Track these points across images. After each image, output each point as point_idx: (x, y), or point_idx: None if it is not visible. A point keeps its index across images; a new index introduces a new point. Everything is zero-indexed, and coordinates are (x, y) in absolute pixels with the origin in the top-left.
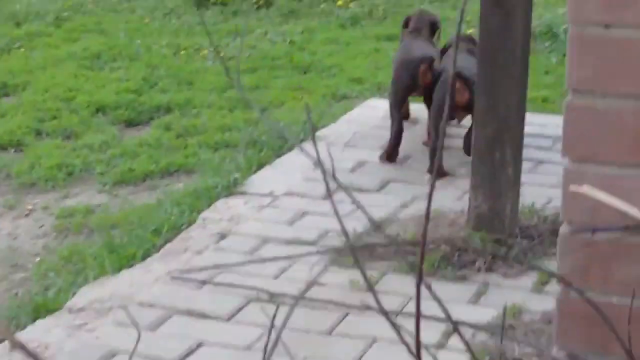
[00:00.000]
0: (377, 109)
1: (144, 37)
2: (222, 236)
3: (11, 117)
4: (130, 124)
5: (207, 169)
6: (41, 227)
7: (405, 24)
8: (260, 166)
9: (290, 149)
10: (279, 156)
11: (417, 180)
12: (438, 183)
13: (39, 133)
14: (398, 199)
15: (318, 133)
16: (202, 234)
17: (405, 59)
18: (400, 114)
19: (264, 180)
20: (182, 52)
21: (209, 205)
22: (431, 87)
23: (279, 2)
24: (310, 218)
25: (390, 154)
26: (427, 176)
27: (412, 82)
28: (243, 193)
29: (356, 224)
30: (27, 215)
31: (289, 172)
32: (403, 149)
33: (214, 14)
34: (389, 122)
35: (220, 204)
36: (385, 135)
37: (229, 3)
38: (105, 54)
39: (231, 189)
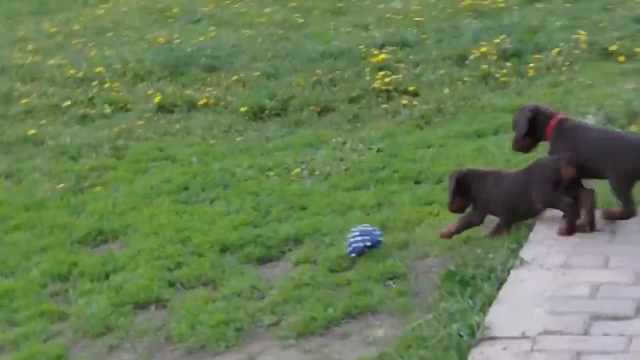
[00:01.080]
0: None
1: (218, 160)
2: None
3: (133, 269)
4: (262, 261)
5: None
6: None
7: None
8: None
9: (498, 278)
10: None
11: None
12: None
13: (171, 284)
14: None
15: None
16: None
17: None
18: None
19: (503, 318)
20: (271, 173)
21: (461, 357)
22: None
23: (340, 107)
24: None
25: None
26: None
27: None
28: (493, 338)
29: None
30: None
31: (523, 306)
32: None
33: (274, 126)
34: None
35: (477, 354)
36: None
37: (287, 112)
38: (191, 184)
39: (474, 334)
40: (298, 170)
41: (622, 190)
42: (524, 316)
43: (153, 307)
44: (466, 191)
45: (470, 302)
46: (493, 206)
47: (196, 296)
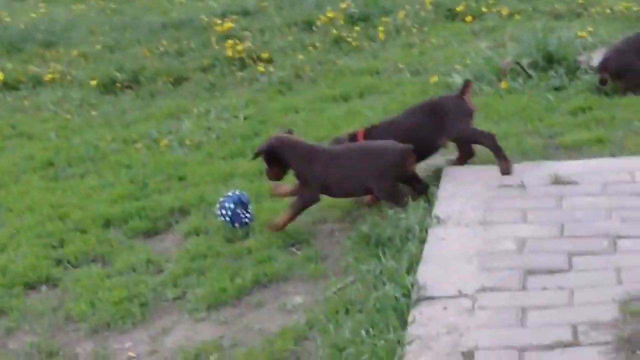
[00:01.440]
0: None
1: (77, 134)
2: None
3: (15, 248)
4: (148, 234)
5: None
6: None
7: None
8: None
9: (417, 237)
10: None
11: None
12: None
13: (58, 262)
14: None
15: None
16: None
17: None
18: None
19: (434, 277)
20: (138, 145)
21: (400, 318)
22: None
23: (195, 77)
24: (540, 313)
25: None
26: None
27: None
28: (430, 298)
29: None
30: None
31: (452, 264)
32: None
33: (129, 98)
34: None
35: (416, 315)
36: None
37: (139, 84)
38: (56, 159)
39: (409, 295)
40: (166, 141)
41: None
42: (455, 274)
43: (44, 287)
44: (279, 161)
45: (394, 262)
46: (323, 184)
47: (89, 273)
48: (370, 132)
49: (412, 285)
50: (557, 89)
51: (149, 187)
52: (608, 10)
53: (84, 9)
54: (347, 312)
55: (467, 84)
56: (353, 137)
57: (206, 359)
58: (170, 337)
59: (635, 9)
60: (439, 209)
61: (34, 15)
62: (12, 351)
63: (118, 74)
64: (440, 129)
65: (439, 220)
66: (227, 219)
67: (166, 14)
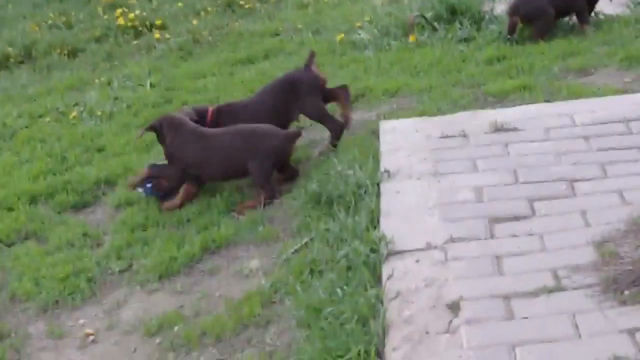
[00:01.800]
0: None
1: None
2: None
3: None
4: (77, 208)
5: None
6: (134, 351)
7: None
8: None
9: (370, 193)
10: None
11: None
12: None
13: None
14: None
15: None
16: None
17: None
18: None
19: (398, 231)
20: (46, 118)
21: (373, 275)
22: None
23: (90, 48)
24: (516, 260)
25: None
26: None
27: None
28: (400, 252)
29: None
30: (93, 340)
31: (413, 216)
32: None
33: (25, 73)
34: None
35: (390, 270)
36: None
37: (34, 59)
38: None
39: (377, 250)
40: (75, 112)
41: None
42: (419, 227)
43: None
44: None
45: (352, 219)
46: (197, 167)
47: (26, 251)
48: (221, 112)
49: (380, 240)
50: (465, 40)
51: (69, 160)
52: None
53: None
54: (311, 272)
55: (311, 55)
56: (202, 114)
57: (170, 330)
58: (126, 311)
59: None
60: (386, 163)
61: None
62: None
63: (10, 49)
64: (293, 106)
65: (389, 174)
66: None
67: None
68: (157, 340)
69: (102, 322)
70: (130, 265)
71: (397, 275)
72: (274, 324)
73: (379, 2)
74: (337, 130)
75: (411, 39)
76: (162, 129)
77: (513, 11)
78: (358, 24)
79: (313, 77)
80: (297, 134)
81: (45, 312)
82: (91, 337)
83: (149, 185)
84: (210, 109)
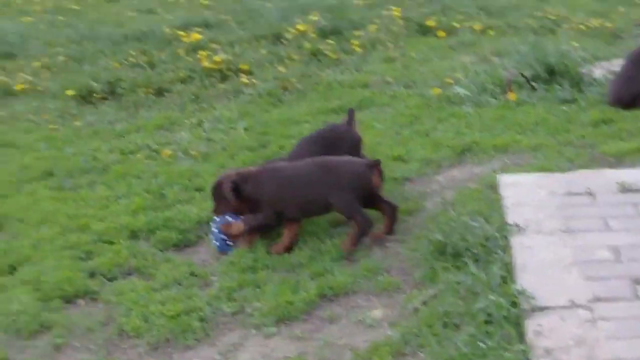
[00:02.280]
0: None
1: (68, 145)
2: None
3: (40, 260)
4: (180, 247)
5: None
6: None
7: None
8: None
9: (500, 246)
10: None
11: None
12: None
13: (92, 275)
14: None
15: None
16: None
17: None
18: None
19: (536, 287)
20: (138, 155)
21: (516, 330)
22: None
23: (176, 88)
24: None
25: None
26: None
27: None
28: (543, 308)
29: None
30: None
31: (550, 273)
32: None
33: (111, 110)
34: None
35: (535, 326)
36: None
37: (119, 96)
38: (55, 170)
39: (516, 305)
40: (169, 151)
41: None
42: (559, 284)
43: (82, 301)
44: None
45: (484, 272)
46: (281, 204)
47: (132, 287)
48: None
49: (520, 295)
50: (566, 101)
51: (168, 198)
52: (582, 26)
53: (33, 21)
54: (444, 325)
55: (350, 113)
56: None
57: None
58: (243, 354)
59: (608, 25)
60: (512, 217)
61: None
62: None
63: (94, 84)
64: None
65: (519, 228)
66: (216, 243)
67: (121, 26)
68: None
69: None
70: (243, 308)
71: (543, 332)
72: None
73: (468, 60)
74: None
75: (511, 97)
76: (239, 186)
77: (615, 100)
78: (449, 80)
79: (355, 135)
80: (378, 162)
81: (156, 349)
82: None
83: (226, 241)
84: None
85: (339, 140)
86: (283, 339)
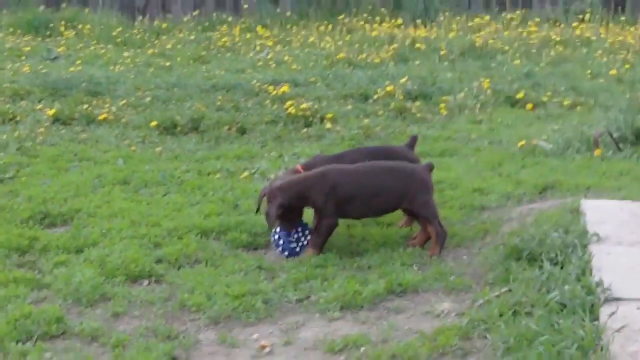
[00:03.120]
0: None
1: (146, 163)
2: None
3: (109, 245)
4: (249, 248)
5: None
6: None
7: None
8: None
9: (578, 253)
10: None
11: None
12: None
13: (159, 261)
14: None
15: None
16: None
17: None
18: None
19: (614, 283)
20: (215, 176)
21: (591, 314)
22: None
23: (260, 128)
24: None
25: None
26: None
27: None
28: (617, 299)
29: None
30: (269, 352)
31: (628, 274)
32: None
33: (192, 141)
34: None
35: (609, 312)
36: None
37: (202, 132)
38: (131, 180)
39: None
40: (246, 173)
41: None
42: (636, 281)
43: (146, 282)
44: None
45: (561, 271)
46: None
47: (199, 271)
48: (315, 162)
49: (597, 286)
50: None
51: (241, 208)
52: None
53: (122, 69)
54: (515, 313)
55: (413, 139)
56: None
57: (356, 350)
58: (305, 332)
59: None
60: (593, 230)
61: (72, 69)
62: (124, 332)
63: (179, 118)
64: None
65: (598, 237)
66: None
67: (212, 79)
68: (341, 358)
69: (278, 338)
70: (309, 297)
71: (618, 318)
72: (473, 355)
73: (556, 127)
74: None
75: (596, 153)
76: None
77: None
78: (534, 142)
79: (414, 157)
80: (432, 166)
81: (216, 324)
82: (267, 349)
83: (295, 247)
84: (299, 166)
85: (396, 157)
86: (347, 322)
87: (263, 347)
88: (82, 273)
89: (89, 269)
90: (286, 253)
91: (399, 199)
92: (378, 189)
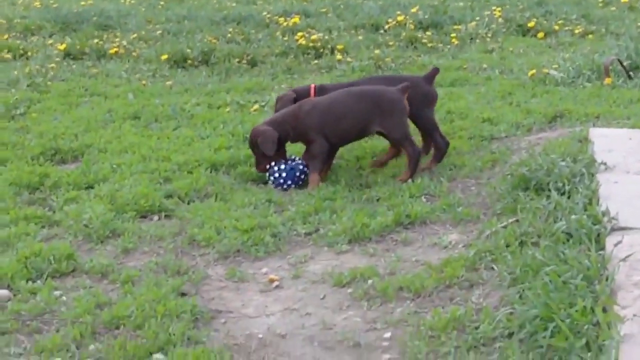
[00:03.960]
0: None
1: (156, 97)
2: None
3: (119, 180)
4: (258, 182)
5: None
6: (323, 297)
7: None
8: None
9: (585, 182)
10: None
11: None
12: None
13: (168, 196)
14: None
15: None
16: None
17: None
18: None
19: (621, 212)
20: (226, 109)
21: (597, 244)
22: None
23: (271, 60)
24: None
25: None
26: None
27: None
28: (624, 228)
29: None
30: (277, 286)
31: (632, 202)
32: None
33: (204, 74)
34: None
35: (615, 241)
36: None
37: (213, 64)
38: (141, 114)
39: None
40: (256, 106)
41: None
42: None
43: (156, 217)
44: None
45: (568, 200)
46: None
47: (208, 206)
48: (325, 87)
49: (603, 215)
50: None
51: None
52: None
53: (134, 3)
54: (522, 244)
55: (434, 71)
56: (304, 92)
57: (363, 282)
58: (313, 265)
59: None
60: (600, 159)
61: (83, 3)
62: (133, 268)
63: (189, 51)
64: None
65: (606, 166)
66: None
67: (221, 11)
68: (349, 290)
69: (287, 272)
70: (317, 230)
71: (623, 247)
72: (479, 286)
73: (567, 56)
74: (444, 146)
75: (607, 81)
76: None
77: None
78: (545, 70)
79: (432, 90)
80: (407, 87)
81: (225, 258)
82: (275, 283)
83: (290, 181)
84: (312, 85)
85: (414, 90)
86: (355, 254)
87: (272, 280)
88: (93, 209)
89: (99, 205)
90: (290, 182)
91: (368, 122)
92: (346, 113)
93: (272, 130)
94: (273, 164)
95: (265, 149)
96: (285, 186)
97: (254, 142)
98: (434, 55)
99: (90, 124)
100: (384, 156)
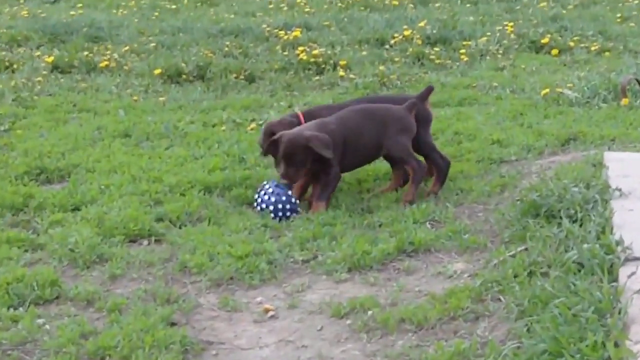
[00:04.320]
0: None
1: (148, 114)
2: None
3: (107, 202)
4: (249, 204)
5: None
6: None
7: None
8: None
9: (599, 209)
10: None
11: None
12: None
13: (159, 220)
14: None
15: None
16: None
17: None
18: None
19: (635, 242)
20: (221, 128)
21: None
22: None
23: (269, 76)
24: None
25: None
26: None
27: None
28: (637, 259)
29: None
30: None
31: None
32: None
33: (199, 90)
34: None
35: (629, 272)
36: None
37: (209, 80)
38: (132, 132)
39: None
40: (253, 125)
41: None
42: None
43: (146, 242)
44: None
45: (580, 228)
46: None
47: (201, 230)
48: (312, 112)
49: (617, 244)
50: None
51: (247, 162)
52: None
53: (126, 13)
54: (530, 274)
55: (428, 89)
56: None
57: (363, 314)
58: (310, 294)
59: None
60: (615, 185)
61: (72, 12)
62: (121, 295)
63: (184, 65)
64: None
65: (621, 192)
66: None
67: (219, 23)
68: (348, 322)
69: (283, 302)
70: (315, 257)
71: (638, 278)
72: (485, 318)
73: (582, 75)
74: (444, 167)
75: (624, 102)
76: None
77: None
78: (559, 89)
79: (426, 110)
80: (414, 104)
81: (218, 286)
82: (270, 313)
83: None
84: (299, 112)
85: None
86: (354, 283)
87: (266, 310)
88: (79, 233)
89: (86, 228)
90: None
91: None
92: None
93: (322, 133)
94: (264, 183)
95: (326, 153)
96: (262, 207)
97: (294, 149)
98: (442, 72)
99: (78, 142)
100: (389, 185)
